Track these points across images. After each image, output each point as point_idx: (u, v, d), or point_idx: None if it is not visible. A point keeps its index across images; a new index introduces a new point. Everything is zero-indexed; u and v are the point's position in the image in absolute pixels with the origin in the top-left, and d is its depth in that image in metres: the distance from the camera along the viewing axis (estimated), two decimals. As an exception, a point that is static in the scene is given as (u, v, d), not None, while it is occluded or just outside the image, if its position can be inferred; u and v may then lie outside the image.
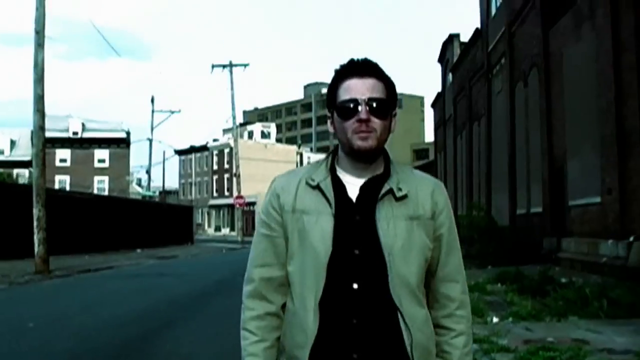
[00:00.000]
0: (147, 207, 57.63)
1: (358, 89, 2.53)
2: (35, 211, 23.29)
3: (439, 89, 58.39)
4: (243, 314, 2.63)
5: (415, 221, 2.54)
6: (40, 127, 23.67)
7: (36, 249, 23.05)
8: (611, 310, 11.74)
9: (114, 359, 8.95)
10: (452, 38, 50.63)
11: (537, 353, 7.39)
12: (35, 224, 23.19)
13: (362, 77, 2.55)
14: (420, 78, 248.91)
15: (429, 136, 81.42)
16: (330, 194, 2.55)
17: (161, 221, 55.24)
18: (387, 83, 2.61)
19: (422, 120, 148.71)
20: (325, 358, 2.50)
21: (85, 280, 22.51)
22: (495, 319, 11.39)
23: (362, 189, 2.58)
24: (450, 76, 51.22)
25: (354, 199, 2.57)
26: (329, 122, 2.68)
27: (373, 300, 2.50)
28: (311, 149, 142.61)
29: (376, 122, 2.52)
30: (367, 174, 2.60)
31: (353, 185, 2.59)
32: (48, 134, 75.68)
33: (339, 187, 2.59)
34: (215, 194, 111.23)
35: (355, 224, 2.53)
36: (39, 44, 23.46)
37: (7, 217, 29.80)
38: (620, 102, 17.89)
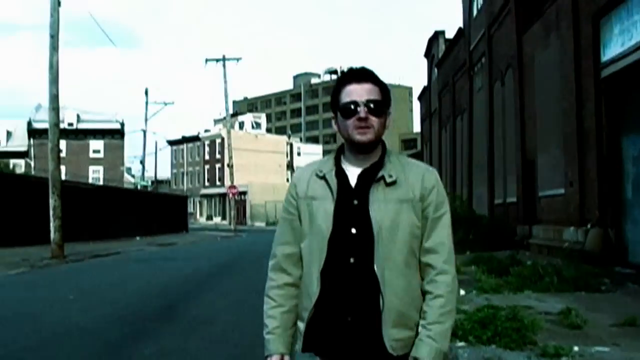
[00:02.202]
0: (145, 197, 58.94)
1: (357, 92, 2.95)
2: (51, 201, 25.11)
3: (426, 82, 59.60)
4: (267, 284, 3.11)
5: (405, 204, 2.92)
6: (55, 124, 25.43)
7: (52, 236, 24.85)
8: (560, 285, 13.68)
9: (150, 320, 10.97)
10: (438, 35, 51.92)
11: (483, 310, 9.54)
12: (51, 212, 24.98)
13: (360, 83, 2.97)
14: (408, 70, 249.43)
15: (418, 126, 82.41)
16: (333, 182, 2.96)
17: (157, 210, 56.58)
18: (382, 87, 3.02)
19: (411, 110, 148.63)
20: (325, 320, 2.91)
21: (99, 264, 24.39)
22: (462, 292, 13.48)
23: (360, 176, 2.98)
24: (435, 71, 52.42)
25: (353, 185, 2.97)
26: (333, 121, 3.10)
27: (365, 273, 2.87)
28: (300, 139, 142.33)
29: (373, 120, 2.94)
30: (366, 163, 3.00)
31: (353, 174, 2.99)
32: (43, 125, 76.77)
33: (342, 176, 2.99)
34: (206, 184, 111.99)
35: (352, 206, 2.93)
36: (54, 48, 25.30)
37: (22, 207, 31.66)
38: (579, 104, 19.73)
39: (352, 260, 2.89)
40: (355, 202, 2.94)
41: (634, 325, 9.41)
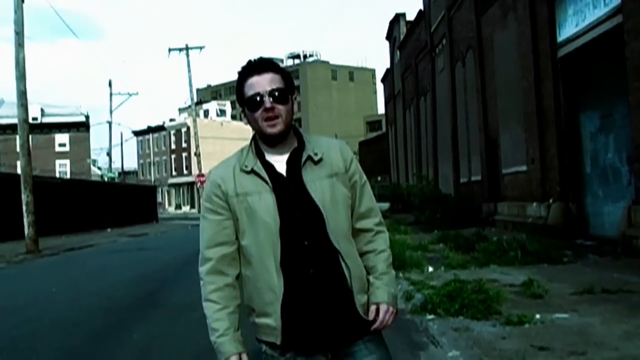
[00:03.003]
0: (114, 189, 58.92)
1: (260, 84, 2.97)
2: (23, 197, 25.31)
3: (388, 65, 60.42)
4: (204, 288, 3.05)
5: (335, 177, 3.04)
6: (24, 120, 25.67)
7: (26, 231, 25.12)
8: (524, 259, 14.31)
9: (134, 308, 11.39)
10: (399, 17, 52.43)
11: (450, 284, 10.10)
12: (24, 208, 25.22)
13: (261, 74, 2.99)
14: (371, 52, 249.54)
15: (382, 108, 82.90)
16: (264, 174, 2.98)
17: (127, 201, 56.70)
18: (283, 74, 3.05)
19: (375, 92, 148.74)
20: (293, 307, 2.93)
21: (75, 257, 24.66)
22: (430, 269, 14.06)
23: (288, 162, 3.03)
24: (398, 53, 52.86)
25: (284, 173, 3.01)
26: (242, 115, 3.11)
27: (321, 250, 2.95)
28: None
29: (280, 108, 2.97)
30: (286, 149, 3.05)
31: (279, 162, 3.03)
32: (7, 121, 75.69)
33: (269, 167, 3.01)
34: (174, 173, 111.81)
35: (291, 192, 2.97)
36: (19, 44, 25.46)
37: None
38: (538, 83, 20.41)
39: (306, 242, 2.95)
40: (292, 187, 2.99)
41: (592, 293, 10.02)
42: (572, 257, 14.77)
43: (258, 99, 2.97)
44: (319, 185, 2.98)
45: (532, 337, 7.49)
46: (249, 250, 2.99)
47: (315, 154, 3.04)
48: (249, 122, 3.07)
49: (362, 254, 3.14)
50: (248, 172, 3.00)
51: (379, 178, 78.09)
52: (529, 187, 21.76)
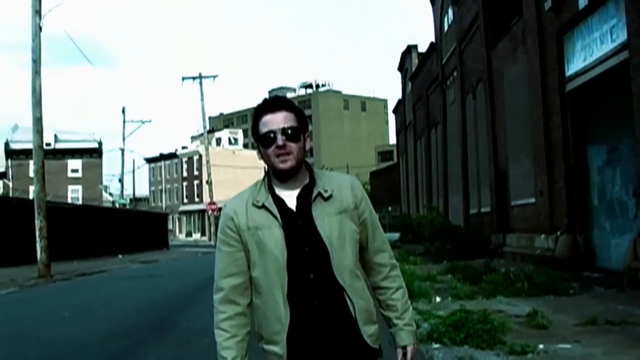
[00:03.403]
0: (125, 215, 59.31)
1: (273, 122, 3.09)
2: (37, 222, 25.61)
3: (400, 96, 60.84)
4: (216, 317, 3.18)
5: (344, 214, 3.13)
6: (39, 147, 26.00)
7: (39, 256, 25.33)
8: (530, 290, 14.49)
9: (146, 333, 11.60)
10: (410, 49, 53.01)
11: (456, 314, 10.30)
12: (37, 233, 25.49)
13: (274, 112, 3.11)
14: (383, 83, 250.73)
15: (393, 138, 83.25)
16: (274, 210, 3.09)
17: (138, 228, 56.80)
18: (297, 113, 3.17)
19: (386, 122, 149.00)
20: (298, 336, 3.06)
21: (86, 282, 24.86)
22: (438, 299, 14.25)
23: (298, 198, 3.14)
24: (409, 84, 53.37)
25: (293, 208, 3.12)
26: (256, 152, 3.24)
27: (326, 284, 3.06)
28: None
29: (292, 146, 3.08)
30: (298, 185, 3.15)
31: (290, 197, 3.14)
32: (21, 146, 76.19)
33: (280, 202, 3.12)
34: (185, 200, 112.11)
35: (299, 227, 3.09)
36: (36, 72, 25.89)
37: (6, 228, 32.15)
38: (547, 117, 20.71)
39: (311, 275, 3.06)
40: (300, 222, 3.09)
41: (595, 324, 10.22)
42: (578, 289, 14.97)
43: (272, 136, 3.07)
44: (327, 221, 3.08)
45: (534, 366, 7.68)
46: (259, 281, 3.10)
47: (325, 191, 3.13)
48: (262, 158, 3.18)
49: (377, 288, 3.31)
50: (259, 207, 3.10)
51: (390, 208, 78.14)
52: (537, 219, 21.95)
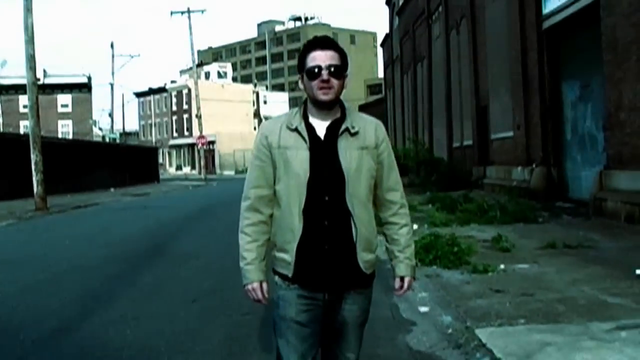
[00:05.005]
0: (116, 149, 59.65)
1: (321, 58, 3.38)
2: (32, 156, 26.16)
3: (388, 30, 60.95)
4: (241, 222, 3.52)
5: (365, 150, 3.44)
6: (33, 83, 26.47)
7: (35, 189, 26.01)
8: (502, 218, 15.46)
9: (143, 257, 12.55)
10: (397, -18, 53.28)
11: (426, 238, 11.20)
12: (33, 167, 26.08)
13: (323, 50, 3.41)
14: (373, 16, 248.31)
15: (382, 72, 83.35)
16: (305, 133, 3.39)
17: (129, 162, 57.27)
18: (341, 54, 3.45)
19: (375, 55, 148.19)
20: (306, 249, 3.38)
21: (82, 214, 25.79)
22: (415, 226, 15.08)
23: (328, 128, 3.43)
24: (396, 18, 53.28)
25: (322, 136, 3.42)
26: (299, 81, 3.50)
27: (337, 208, 3.38)
28: (266, 87, 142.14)
29: (334, 82, 3.37)
30: (329, 118, 3.45)
31: (320, 126, 3.44)
32: (10, 81, 75.93)
33: (311, 129, 3.42)
34: (175, 134, 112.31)
35: (323, 154, 3.38)
36: (28, 9, 26.22)
37: (2, 163, 32.93)
38: (524, 53, 21.39)
39: (326, 198, 3.36)
40: (325, 150, 3.39)
41: (555, 248, 11.20)
42: (547, 218, 15.92)
43: (317, 70, 3.37)
44: (348, 154, 3.39)
45: (492, 282, 8.63)
46: (281, 195, 3.42)
47: (353, 127, 3.43)
48: (305, 88, 3.48)
49: (386, 223, 3.65)
50: (292, 130, 3.42)
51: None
52: (514, 152, 22.79)
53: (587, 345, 5.76)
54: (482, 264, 9.67)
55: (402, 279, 3.65)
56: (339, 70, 3.40)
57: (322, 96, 3.37)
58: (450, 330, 6.77)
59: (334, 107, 3.46)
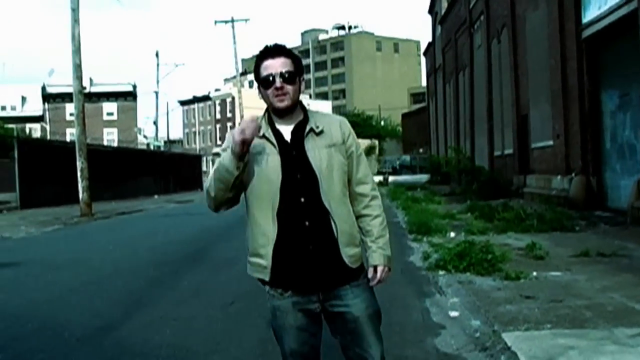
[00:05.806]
0: (161, 157, 60.40)
1: (273, 66, 3.46)
2: (78, 163, 26.89)
3: (430, 38, 60.97)
4: (207, 183, 3.56)
5: (333, 147, 3.54)
6: (79, 92, 27.13)
7: (81, 195, 26.69)
8: (540, 227, 15.51)
9: (184, 262, 12.90)
10: (440, -9, 53.45)
11: (461, 245, 11.39)
12: (79, 174, 26.79)
13: (274, 58, 3.49)
14: (416, 25, 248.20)
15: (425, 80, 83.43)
16: (273, 139, 3.49)
17: (173, 169, 57.80)
18: (293, 59, 3.54)
19: (419, 64, 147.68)
20: (288, 252, 3.45)
21: (126, 220, 26.29)
22: (452, 234, 15.36)
23: (293, 132, 3.53)
24: (439, 28, 53.38)
25: (289, 140, 3.52)
26: (257, 92, 3.57)
27: (315, 207, 3.46)
28: (310, 96, 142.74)
29: (288, 88, 3.47)
30: (293, 121, 3.56)
31: (286, 131, 3.54)
32: (58, 90, 77.17)
33: (278, 134, 3.52)
34: (218, 142, 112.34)
35: (293, 157, 3.48)
36: (75, 20, 26.96)
37: (49, 170, 33.64)
38: (564, 62, 21.41)
39: (302, 199, 3.45)
40: (294, 152, 3.48)
41: (588, 256, 11.26)
42: (584, 227, 15.94)
43: (271, 79, 3.47)
44: (317, 153, 3.49)
45: (523, 289, 8.77)
46: (251, 200, 3.52)
47: (317, 127, 3.54)
48: (262, 97, 3.57)
49: (359, 216, 3.67)
50: (260, 137, 3.47)
51: (421, 150, 78.63)
52: (554, 161, 22.81)
53: (610, 349, 5.91)
54: (515, 271, 9.80)
55: (375, 268, 3.66)
56: (292, 76, 3.50)
57: (279, 103, 3.48)
58: (478, 334, 6.96)
59: (294, 111, 3.57)
